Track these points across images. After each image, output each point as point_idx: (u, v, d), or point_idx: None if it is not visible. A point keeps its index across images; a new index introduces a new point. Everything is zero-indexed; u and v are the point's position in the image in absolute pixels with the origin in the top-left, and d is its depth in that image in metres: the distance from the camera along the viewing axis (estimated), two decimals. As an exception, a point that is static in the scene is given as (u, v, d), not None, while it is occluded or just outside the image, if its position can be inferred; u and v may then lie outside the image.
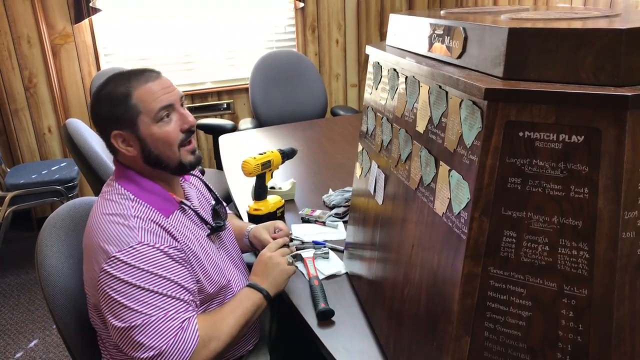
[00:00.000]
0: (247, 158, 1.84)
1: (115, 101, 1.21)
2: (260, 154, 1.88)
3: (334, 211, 1.93)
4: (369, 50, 1.41)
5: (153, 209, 1.24)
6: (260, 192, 1.89)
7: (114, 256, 1.14)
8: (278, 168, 1.93)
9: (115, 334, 1.15)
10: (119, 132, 1.23)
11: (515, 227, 0.82)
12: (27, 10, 3.26)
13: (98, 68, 3.53)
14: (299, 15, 3.95)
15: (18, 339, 2.63)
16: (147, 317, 1.13)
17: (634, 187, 0.74)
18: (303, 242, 1.76)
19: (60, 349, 2.55)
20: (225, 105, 3.93)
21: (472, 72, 0.93)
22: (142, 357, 1.13)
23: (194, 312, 1.21)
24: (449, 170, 0.93)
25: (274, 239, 1.53)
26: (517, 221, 0.82)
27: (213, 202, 1.51)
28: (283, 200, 1.95)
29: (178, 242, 1.23)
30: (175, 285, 1.18)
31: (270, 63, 3.49)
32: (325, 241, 1.75)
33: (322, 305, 1.38)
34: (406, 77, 1.15)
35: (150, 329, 1.13)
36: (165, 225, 1.23)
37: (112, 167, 1.93)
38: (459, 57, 0.99)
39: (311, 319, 1.37)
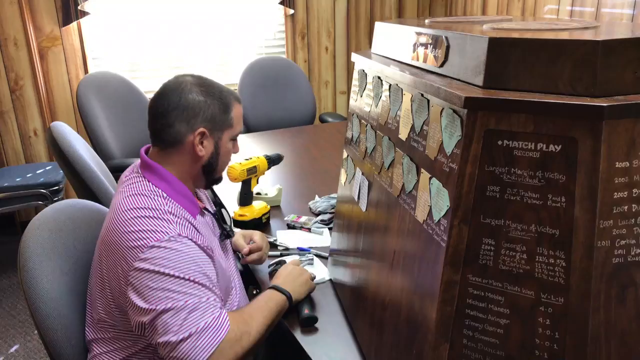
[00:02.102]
0: (233, 163, 1.83)
1: (224, 104, 1.28)
2: (246, 159, 1.88)
3: (319, 217, 1.94)
4: (355, 57, 1.42)
5: (183, 209, 1.24)
6: (245, 197, 1.89)
7: (152, 245, 1.12)
8: (264, 174, 1.93)
9: (143, 316, 1.12)
10: (207, 131, 1.26)
11: (494, 235, 0.83)
12: (14, 12, 3.24)
13: (85, 71, 3.51)
14: (288, 22, 3.96)
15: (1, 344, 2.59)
16: (181, 302, 1.11)
17: (609, 197, 0.75)
18: (288, 249, 1.76)
19: (41, 354, 2.52)
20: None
21: (453, 81, 0.93)
22: (170, 340, 1.09)
23: (222, 305, 1.21)
24: (430, 178, 0.94)
25: (250, 250, 1.57)
26: (495, 229, 0.83)
27: (215, 208, 1.50)
28: (269, 207, 1.95)
29: (206, 242, 1.24)
30: (209, 278, 1.18)
31: (259, 69, 3.50)
32: (311, 247, 1.75)
33: (305, 312, 1.38)
34: (390, 85, 1.16)
35: (182, 313, 1.11)
36: (194, 225, 1.23)
37: (96, 170, 1.92)
38: (441, 65, 1.00)
39: (294, 326, 1.37)
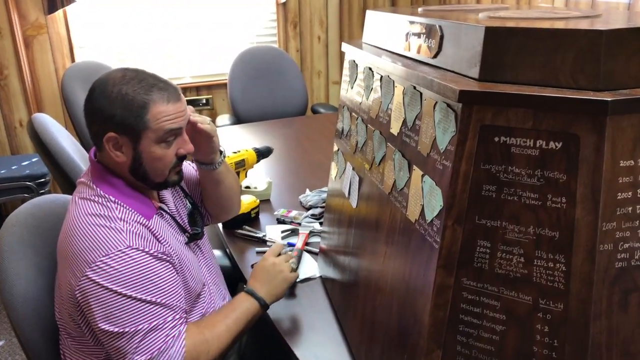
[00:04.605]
0: (221, 157, 1.78)
1: (129, 107, 1.12)
2: (235, 152, 1.83)
3: (310, 212, 1.89)
4: (345, 47, 1.36)
5: (135, 212, 1.17)
6: (234, 191, 1.83)
7: (100, 261, 1.07)
8: (253, 167, 1.88)
9: (101, 335, 1.10)
10: (116, 136, 1.14)
11: (489, 236, 0.78)
12: (-2, -1, 3.16)
13: (72, 60, 3.43)
14: (280, 10, 3.89)
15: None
16: (134, 327, 1.08)
17: (613, 197, 0.70)
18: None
19: (28, 350, 2.47)
20: (204, 101, 3.86)
21: (447, 73, 0.88)
22: None
23: (183, 321, 1.16)
24: (422, 176, 0.89)
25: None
26: (491, 230, 0.78)
27: (189, 206, 1.43)
28: (258, 201, 1.90)
29: (163, 246, 1.17)
30: (165, 292, 1.12)
31: (250, 59, 3.43)
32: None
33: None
34: (381, 77, 1.11)
35: (136, 340, 1.08)
36: (150, 228, 1.17)
37: (80, 164, 1.86)
38: (435, 56, 0.95)
39: (281, 325, 1.33)
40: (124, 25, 3.55)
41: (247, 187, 2.00)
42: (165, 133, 1.15)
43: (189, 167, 1.51)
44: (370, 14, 1.31)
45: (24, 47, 3.30)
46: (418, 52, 1.02)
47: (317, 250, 1.64)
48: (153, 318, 1.09)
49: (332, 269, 1.43)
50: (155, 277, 1.11)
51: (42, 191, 3.02)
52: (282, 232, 1.76)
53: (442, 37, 0.92)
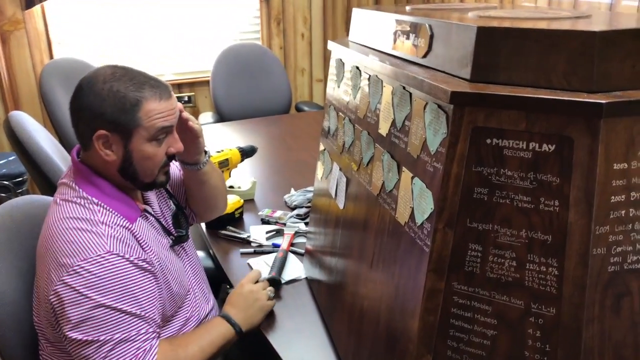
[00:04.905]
0: (204, 156, 1.75)
1: (122, 104, 1.09)
2: (218, 152, 1.80)
3: (295, 212, 1.86)
4: (331, 46, 1.34)
5: (118, 215, 1.14)
6: (217, 191, 1.80)
7: (78, 265, 1.04)
8: (237, 167, 1.85)
9: (69, 343, 1.07)
10: (107, 133, 1.10)
11: (481, 240, 0.77)
12: (-27, -6, 3.07)
13: (51, 57, 3.35)
14: (264, 7, 3.85)
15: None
16: (105, 335, 1.05)
17: (606, 201, 0.69)
18: (262, 245, 1.68)
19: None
20: (186, 99, 3.81)
21: (437, 73, 0.87)
22: None
23: (156, 335, 1.13)
24: (412, 177, 0.87)
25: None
26: (483, 234, 0.77)
27: (173, 207, 1.39)
28: (242, 201, 1.87)
29: (145, 252, 1.14)
30: (141, 303, 1.09)
31: (234, 56, 3.38)
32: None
33: (272, 274, 1.43)
34: (369, 76, 1.09)
35: (105, 349, 1.05)
36: (133, 232, 1.14)
37: (59, 164, 1.81)
38: (424, 56, 0.93)
39: (267, 328, 1.31)
40: (104, 21, 3.48)
41: (231, 187, 1.97)
42: (157, 131, 1.13)
43: (173, 167, 1.48)
44: (356, 12, 1.29)
45: (0, 43, 3.22)
46: (407, 51, 1.01)
47: (302, 251, 1.62)
48: (126, 328, 1.06)
49: (319, 270, 1.41)
50: (133, 286, 1.08)
51: (19, 190, 2.95)
52: (267, 232, 1.74)
53: (432, 37, 0.91)
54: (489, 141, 0.74)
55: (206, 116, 3.32)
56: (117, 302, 1.05)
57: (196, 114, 3.77)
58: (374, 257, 1.02)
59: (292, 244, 1.66)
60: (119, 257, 1.07)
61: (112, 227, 1.10)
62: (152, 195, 1.31)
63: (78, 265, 1.04)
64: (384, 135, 1.00)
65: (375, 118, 1.05)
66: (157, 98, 1.12)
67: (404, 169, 0.91)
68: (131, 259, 1.09)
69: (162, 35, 3.66)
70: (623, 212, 0.70)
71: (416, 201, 0.85)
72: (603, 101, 0.66)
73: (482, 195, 0.76)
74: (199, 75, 3.79)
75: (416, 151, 0.86)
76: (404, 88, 0.92)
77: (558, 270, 0.72)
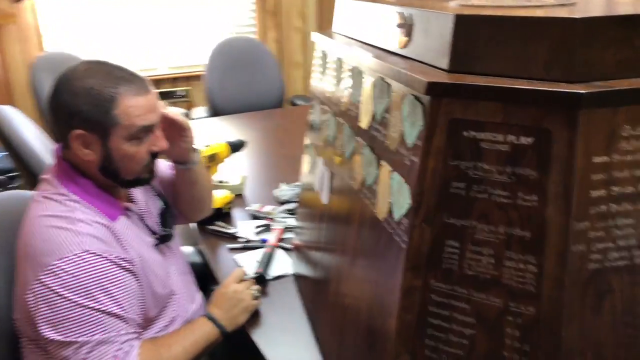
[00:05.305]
0: (192, 150, 1.72)
1: (96, 101, 1.04)
2: (206, 146, 1.77)
3: (284, 207, 1.84)
4: (315, 37, 1.31)
5: (98, 212, 1.11)
6: (205, 186, 1.78)
7: (54, 264, 1.01)
8: (224, 161, 1.83)
9: (47, 344, 1.04)
10: (84, 133, 1.06)
11: (458, 236, 0.74)
12: (-37, -13, 3.05)
13: (42, 51, 3.33)
14: (259, 0, 3.82)
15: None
16: (83, 337, 1.02)
17: (586, 195, 0.66)
18: (250, 241, 1.66)
19: None
20: (182, 93, 3.78)
21: (416, 64, 0.84)
22: None
23: (136, 335, 1.10)
24: (390, 172, 0.85)
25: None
26: (460, 230, 0.74)
27: (161, 205, 1.35)
28: (232, 195, 1.85)
29: (126, 251, 1.11)
30: (120, 302, 1.06)
31: (228, 50, 3.35)
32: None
33: (258, 271, 1.43)
34: (351, 68, 1.06)
35: (83, 351, 1.02)
36: (113, 231, 1.11)
37: (46, 159, 1.79)
38: (405, 46, 0.90)
39: (251, 326, 1.28)
40: (97, 14, 3.45)
41: (221, 182, 1.95)
42: (137, 130, 1.08)
43: (162, 166, 1.45)
44: (340, 2, 1.26)
45: (-9, 36, 3.20)
46: (388, 42, 0.98)
47: (291, 246, 1.60)
48: (104, 329, 1.03)
49: (305, 266, 1.38)
50: (111, 285, 1.05)
51: (12, 186, 2.93)
52: (256, 227, 1.71)
53: (411, 26, 0.88)
54: (466, 134, 0.71)
55: (199, 111, 3.29)
56: (94, 302, 1.03)
57: (191, 108, 3.75)
58: (355, 253, 1.00)
59: (281, 240, 1.64)
60: (96, 256, 1.04)
61: (90, 225, 1.07)
62: (138, 193, 1.28)
63: (54, 264, 1.01)
64: (365, 128, 0.97)
65: (357, 111, 1.02)
66: (133, 93, 1.07)
67: (382, 162, 0.88)
68: (110, 257, 1.06)
69: (158, 28, 3.63)
70: (604, 207, 0.67)
71: (394, 196, 0.83)
72: (582, 91, 0.63)
73: (459, 190, 0.73)
74: (194, 69, 3.76)
75: (394, 144, 0.84)
76: (382, 80, 0.89)
77: (537, 268, 0.69)
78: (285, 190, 1.94)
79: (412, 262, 0.77)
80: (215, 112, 3.25)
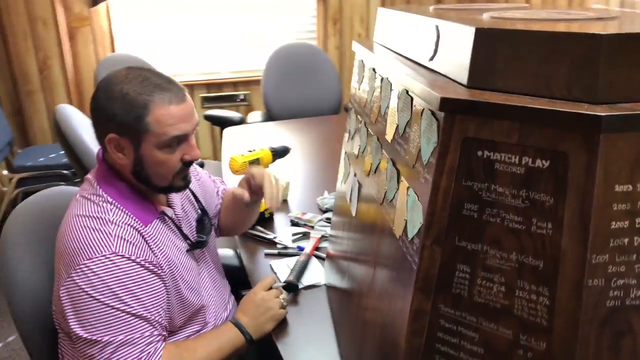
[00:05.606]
0: (235, 155, 1.74)
1: (129, 108, 1.07)
2: (250, 151, 1.79)
3: (325, 215, 1.83)
4: (355, 46, 1.29)
5: (131, 216, 1.13)
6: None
7: (83, 264, 1.04)
8: (268, 167, 1.84)
9: (76, 339, 1.08)
10: (118, 137, 1.09)
11: (469, 260, 0.71)
12: (44, -8, 3.25)
13: (113, 52, 3.49)
14: (321, 6, 3.83)
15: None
16: (108, 336, 1.04)
17: (606, 226, 0.61)
18: (287, 247, 1.66)
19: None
20: (241, 97, 3.85)
21: (440, 78, 0.81)
22: None
23: (161, 337, 1.11)
24: (407, 188, 0.82)
25: (251, 189, 1.36)
26: (471, 254, 0.70)
27: (200, 212, 1.37)
28: (273, 201, 1.85)
29: (155, 256, 1.13)
30: (146, 305, 1.08)
31: (286, 55, 3.39)
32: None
33: (289, 278, 1.41)
34: (382, 79, 1.04)
35: (108, 351, 1.04)
36: (143, 235, 1.13)
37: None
38: (431, 59, 0.87)
39: (277, 334, 1.27)
40: (165, 19, 3.59)
41: (264, 187, 1.96)
42: (169, 139, 1.09)
43: (204, 176, 1.50)
44: (381, 12, 1.24)
45: (67, 38, 3.38)
46: (420, 54, 0.95)
47: (324, 255, 1.58)
48: (129, 330, 1.05)
49: (334, 277, 1.37)
50: (137, 288, 1.07)
51: (77, 180, 3.09)
52: (293, 234, 1.71)
53: (438, 38, 0.85)
54: (480, 153, 0.68)
55: (255, 115, 3.34)
56: (120, 303, 1.05)
57: (249, 112, 3.82)
58: (375, 269, 0.97)
59: (317, 248, 1.63)
60: (124, 259, 1.06)
61: (121, 227, 1.10)
62: (176, 199, 1.30)
63: (84, 264, 1.04)
64: (390, 141, 0.95)
65: (384, 123, 1.00)
66: (167, 102, 1.08)
67: (402, 178, 0.86)
68: (137, 260, 1.08)
69: (222, 34, 3.72)
70: (626, 240, 0.62)
71: (409, 214, 0.80)
72: (602, 113, 0.58)
73: (471, 212, 0.69)
74: (254, 74, 3.82)
75: (412, 161, 0.81)
76: (407, 92, 0.87)
77: (549, 301, 0.65)
78: (327, 199, 1.93)
79: (421, 284, 0.74)
80: (270, 116, 3.29)
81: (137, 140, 1.09)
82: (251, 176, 1.36)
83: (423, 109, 0.78)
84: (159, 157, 1.11)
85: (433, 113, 0.73)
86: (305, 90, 3.37)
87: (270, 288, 1.34)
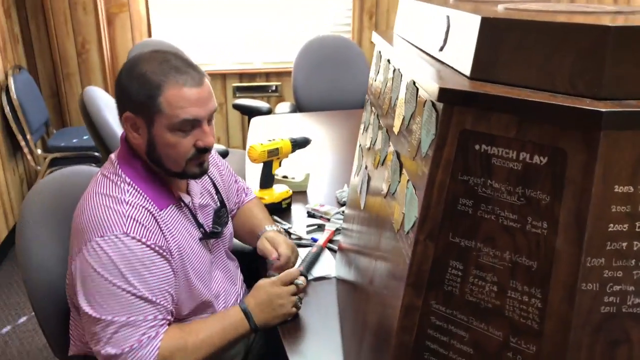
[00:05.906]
0: (254, 144, 1.75)
1: (144, 87, 1.07)
2: (270, 140, 1.79)
3: (342, 208, 1.81)
4: (374, 37, 1.27)
5: (147, 199, 1.14)
6: (266, 180, 1.80)
7: (94, 241, 1.06)
8: (287, 157, 1.83)
9: (82, 315, 1.10)
10: (133, 116, 1.11)
11: (462, 257, 0.68)
12: (84, -23, 3.32)
13: (149, 38, 3.55)
14: (357, 0, 3.80)
15: (9, 313, 2.56)
16: (112, 316, 1.05)
17: (603, 228, 0.58)
18: (301, 238, 1.65)
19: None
20: (273, 88, 3.86)
21: (446, 69, 0.78)
22: (97, 349, 1.07)
23: (165, 322, 1.12)
24: (408, 181, 0.80)
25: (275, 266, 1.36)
26: (465, 251, 0.68)
27: (217, 203, 1.37)
28: (291, 192, 1.85)
29: (166, 240, 1.13)
30: (151, 287, 1.08)
31: (317, 47, 3.37)
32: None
33: (299, 269, 1.34)
34: (394, 70, 1.02)
35: (110, 330, 1.06)
36: (157, 218, 1.13)
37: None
38: (441, 49, 0.85)
39: (283, 327, 1.26)
40: (202, 8, 3.62)
41: (285, 177, 1.96)
42: (180, 122, 1.09)
43: (226, 172, 1.51)
44: (402, 3, 1.22)
45: (106, 23, 3.45)
46: (431, 44, 0.92)
47: (336, 247, 1.57)
48: (132, 311, 1.06)
49: (343, 269, 1.35)
50: (145, 270, 1.07)
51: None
52: (308, 226, 1.70)
53: (448, 28, 0.82)
54: (477, 147, 0.65)
55: (283, 106, 3.34)
56: (125, 284, 1.05)
57: (279, 102, 3.83)
58: (376, 263, 0.96)
59: (330, 241, 1.62)
60: (134, 240, 1.07)
61: (135, 209, 1.10)
62: (196, 187, 1.30)
63: (95, 241, 1.06)
64: (396, 133, 0.93)
65: (394, 115, 0.98)
66: (181, 84, 1.07)
67: (403, 171, 0.84)
68: (147, 242, 1.08)
69: (254, 23, 3.73)
70: (624, 244, 0.59)
71: (407, 208, 0.78)
72: (603, 109, 0.55)
73: (466, 208, 0.67)
74: (286, 66, 3.82)
75: (413, 153, 0.79)
76: (414, 83, 0.84)
77: (541, 303, 0.62)
78: (346, 192, 1.91)
79: (413, 279, 0.72)
80: (299, 107, 3.28)
81: (150, 120, 1.10)
82: (277, 246, 1.39)
83: (426, 100, 0.76)
84: (170, 140, 1.11)
85: (433, 104, 0.71)
86: (335, 83, 3.35)
87: (291, 283, 1.28)
